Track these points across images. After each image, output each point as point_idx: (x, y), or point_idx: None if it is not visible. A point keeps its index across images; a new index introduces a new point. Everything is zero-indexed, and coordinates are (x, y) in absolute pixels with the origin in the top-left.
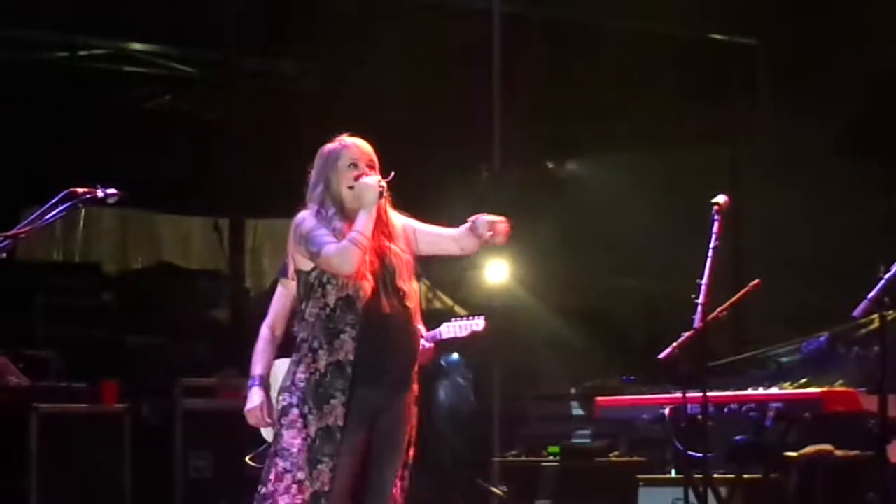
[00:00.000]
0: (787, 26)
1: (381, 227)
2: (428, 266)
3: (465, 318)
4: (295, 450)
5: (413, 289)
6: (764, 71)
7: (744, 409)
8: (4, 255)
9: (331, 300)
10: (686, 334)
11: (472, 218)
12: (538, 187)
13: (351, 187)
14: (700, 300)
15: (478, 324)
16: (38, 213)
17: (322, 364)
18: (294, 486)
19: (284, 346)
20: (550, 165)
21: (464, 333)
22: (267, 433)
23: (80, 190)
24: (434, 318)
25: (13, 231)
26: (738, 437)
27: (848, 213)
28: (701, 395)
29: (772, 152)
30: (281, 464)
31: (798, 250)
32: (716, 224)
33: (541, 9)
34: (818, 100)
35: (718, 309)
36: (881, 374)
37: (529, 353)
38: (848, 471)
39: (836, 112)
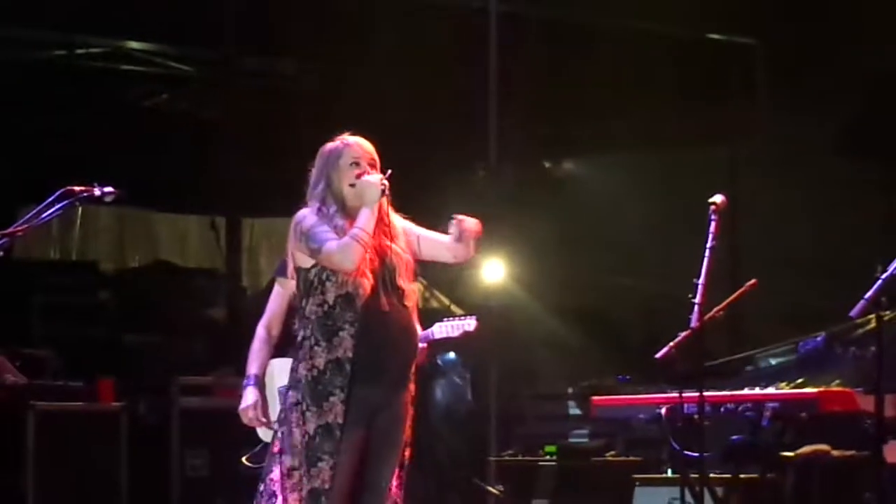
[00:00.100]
0: (786, 26)
1: (382, 226)
2: (425, 265)
3: (456, 319)
4: (298, 447)
5: (412, 288)
6: (762, 70)
7: (740, 408)
8: (1, 253)
9: (330, 297)
10: (683, 334)
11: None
12: (535, 186)
13: (353, 185)
14: (697, 300)
15: (469, 324)
16: (34, 211)
17: (321, 361)
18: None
19: (281, 346)
20: (547, 165)
21: (456, 333)
22: (263, 433)
23: (76, 188)
24: (431, 318)
25: (10, 229)
26: (734, 437)
27: (846, 213)
28: (697, 394)
29: (770, 152)
30: (289, 461)
31: (796, 250)
32: (712, 224)
33: (538, 8)
34: (817, 99)
35: (715, 309)
36: (878, 374)
37: (526, 352)
38: (844, 471)
39: (835, 112)
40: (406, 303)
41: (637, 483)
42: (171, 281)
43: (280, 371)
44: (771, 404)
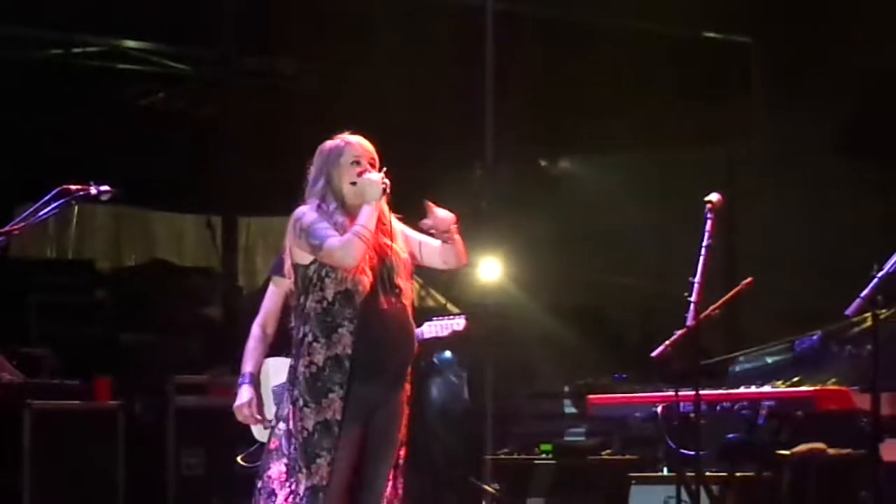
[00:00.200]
0: (783, 25)
1: (380, 225)
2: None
3: (446, 318)
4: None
5: (409, 287)
6: (759, 70)
7: (736, 407)
8: None
9: (329, 294)
10: (679, 332)
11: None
12: (532, 185)
13: (354, 183)
14: (693, 298)
15: (458, 323)
16: (31, 209)
17: (320, 357)
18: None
19: (276, 345)
20: (544, 163)
21: (445, 333)
22: (258, 432)
23: (73, 187)
24: (427, 317)
25: (6, 228)
26: (730, 436)
27: (843, 212)
28: (693, 393)
29: (767, 151)
30: (287, 458)
31: (793, 249)
32: (709, 222)
33: (535, 6)
34: (814, 99)
35: (711, 307)
36: (874, 373)
37: (522, 351)
38: (840, 469)
39: (832, 111)
40: (403, 301)
41: (633, 481)
42: (168, 280)
43: (275, 370)
44: (767, 403)
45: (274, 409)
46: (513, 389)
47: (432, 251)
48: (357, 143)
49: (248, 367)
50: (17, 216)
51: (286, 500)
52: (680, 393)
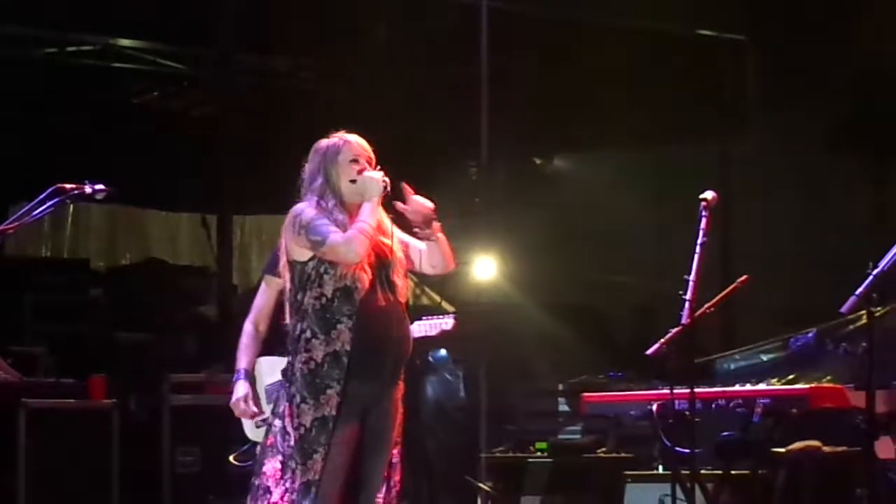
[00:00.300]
0: (777, 22)
1: (378, 223)
2: None
3: (434, 317)
4: (293, 440)
5: (404, 284)
6: (754, 67)
7: (731, 404)
8: None
9: (328, 290)
10: (674, 330)
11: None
12: (527, 183)
13: (353, 181)
14: (687, 296)
15: (447, 322)
16: (25, 208)
17: (319, 354)
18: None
19: (269, 344)
20: (538, 161)
21: (434, 332)
22: (251, 432)
23: (67, 186)
24: (421, 315)
25: (0, 227)
26: (725, 433)
27: (838, 210)
28: (688, 391)
29: (762, 149)
30: (283, 455)
31: (788, 246)
32: (703, 220)
33: (529, 4)
34: (809, 97)
35: (706, 305)
36: (868, 370)
37: (517, 349)
38: (836, 467)
39: (827, 108)
40: (399, 299)
41: (628, 479)
42: (163, 279)
43: (267, 369)
44: (762, 400)
45: (267, 407)
46: (508, 387)
47: (420, 254)
48: (355, 141)
49: (242, 363)
50: (11, 215)
51: (282, 497)
52: (675, 391)
